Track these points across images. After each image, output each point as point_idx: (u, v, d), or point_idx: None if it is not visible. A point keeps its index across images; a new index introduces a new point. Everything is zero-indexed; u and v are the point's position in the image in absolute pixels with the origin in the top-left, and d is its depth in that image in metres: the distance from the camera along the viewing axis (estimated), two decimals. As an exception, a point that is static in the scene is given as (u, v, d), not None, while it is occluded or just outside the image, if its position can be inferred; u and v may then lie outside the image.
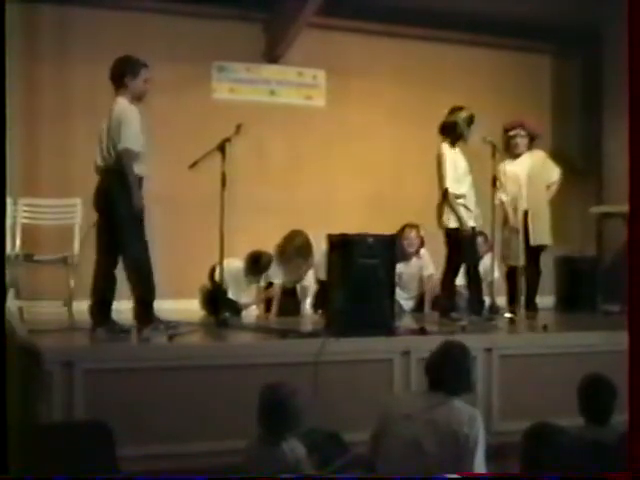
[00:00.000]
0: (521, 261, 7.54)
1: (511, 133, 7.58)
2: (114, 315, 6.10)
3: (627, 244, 3.09)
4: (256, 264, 7.81)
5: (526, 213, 7.53)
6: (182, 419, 5.15)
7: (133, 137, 5.84)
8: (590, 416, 4.27)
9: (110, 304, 6.06)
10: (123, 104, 5.92)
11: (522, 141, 7.59)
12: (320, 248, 7.20)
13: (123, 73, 5.99)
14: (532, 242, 7.48)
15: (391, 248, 6.19)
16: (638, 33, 3.07)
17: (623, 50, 9.77)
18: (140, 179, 5.96)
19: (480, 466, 3.89)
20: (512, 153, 7.58)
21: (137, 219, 5.89)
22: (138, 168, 5.91)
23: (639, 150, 3.04)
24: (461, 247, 6.98)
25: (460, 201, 6.94)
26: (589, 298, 8.54)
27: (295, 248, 7.72)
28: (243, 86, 9.29)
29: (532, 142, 7.72)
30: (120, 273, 6.08)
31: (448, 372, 4.11)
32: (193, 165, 6.59)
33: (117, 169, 5.85)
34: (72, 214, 7.22)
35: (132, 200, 5.80)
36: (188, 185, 8.04)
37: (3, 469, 3.31)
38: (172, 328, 5.94)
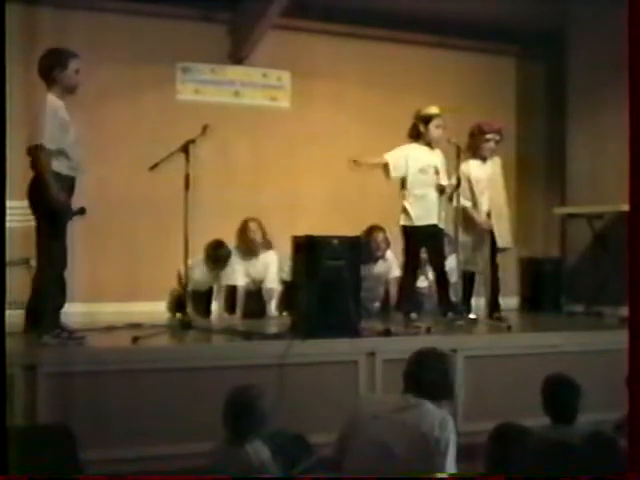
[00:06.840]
0: (486, 263, 7.47)
1: (488, 136, 7.31)
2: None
3: (627, 244, 3.08)
4: (216, 250, 7.78)
5: (488, 215, 7.42)
6: (146, 422, 5.10)
7: (49, 133, 5.56)
8: (555, 416, 4.28)
9: (58, 308, 5.84)
10: (48, 100, 5.65)
11: (494, 146, 7.42)
12: (284, 249, 7.17)
13: (51, 67, 5.72)
14: (499, 244, 7.38)
15: (356, 250, 6.17)
16: (638, 33, 3.07)
17: (586, 51, 9.87)
18: (70, 179, 5.74)
19: (451, 468, 3.89)
20: (480, 155, 7.35)
21: (55, 220, 5.64)
22: (60, 166, 5.64)
23: (639, 150, 3.04)
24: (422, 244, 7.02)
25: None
26: (553, 299, 8.61)
27: (248, 237, 7.78)
28: (208, 87, 9.25)
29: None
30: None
31: (427, 380, 4.08)
32: (154, 167, 6.46)
33: (35, 167, 5.63)
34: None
35: (50, 199, 5.53)
36: (151, 187, 7.97)
37: (3, 469, 3.27)
38: (73, 336, 5.63)
